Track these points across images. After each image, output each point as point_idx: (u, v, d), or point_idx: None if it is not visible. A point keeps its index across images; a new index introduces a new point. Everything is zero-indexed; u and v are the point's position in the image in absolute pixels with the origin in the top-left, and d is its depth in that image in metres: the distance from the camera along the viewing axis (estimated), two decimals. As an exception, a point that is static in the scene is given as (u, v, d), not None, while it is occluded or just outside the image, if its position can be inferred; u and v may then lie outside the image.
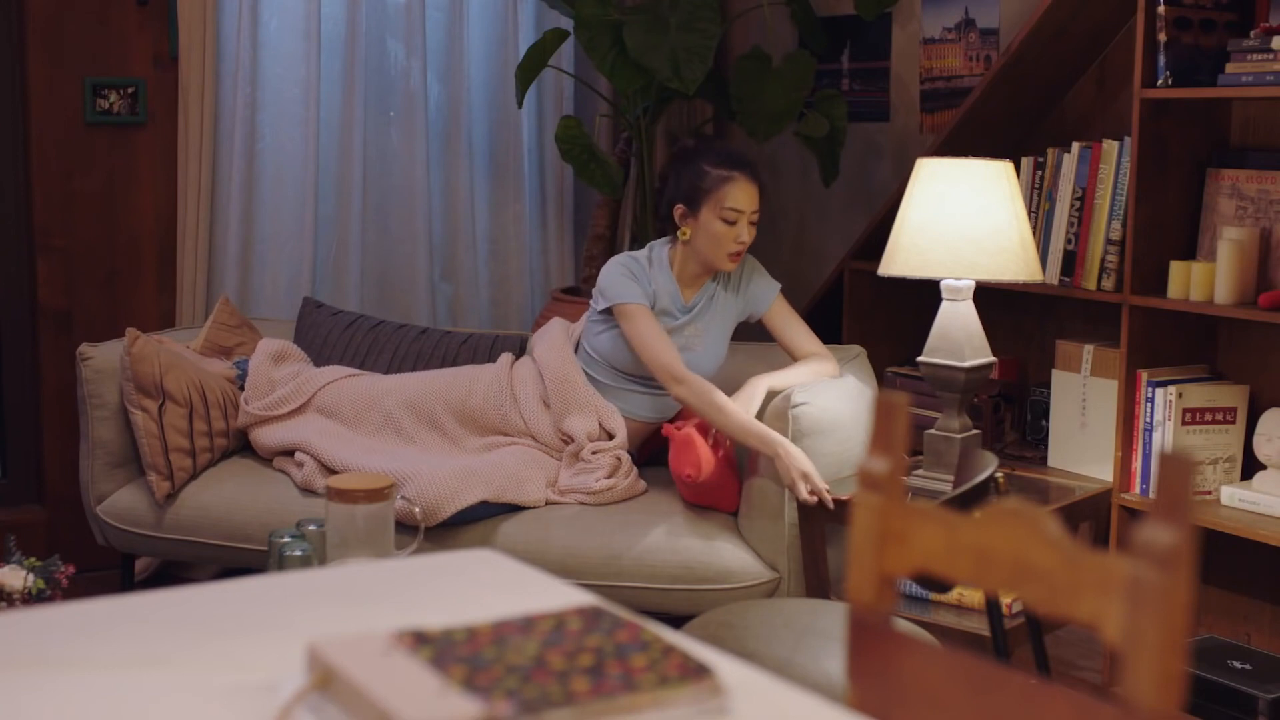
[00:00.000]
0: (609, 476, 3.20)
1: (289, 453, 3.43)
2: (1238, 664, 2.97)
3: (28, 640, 1.22)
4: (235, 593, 1.37)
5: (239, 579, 1.41)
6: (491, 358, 3.65)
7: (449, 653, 1.10)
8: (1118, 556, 0.95)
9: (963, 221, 2.98)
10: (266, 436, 3.45)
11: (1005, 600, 2.71)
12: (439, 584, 1.42)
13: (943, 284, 3.08)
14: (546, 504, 3.21)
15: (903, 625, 2.19)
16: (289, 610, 1.32)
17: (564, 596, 1.35)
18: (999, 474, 2.26)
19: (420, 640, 1.12)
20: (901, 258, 3.05)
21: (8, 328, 3.98)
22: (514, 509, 3.16)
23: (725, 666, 1.15)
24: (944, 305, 3.08)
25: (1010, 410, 3.72)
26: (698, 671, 1.09)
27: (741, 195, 3.17)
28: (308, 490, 3.29)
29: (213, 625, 1.28)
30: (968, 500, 2.04)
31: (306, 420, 3.44)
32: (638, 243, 4.29)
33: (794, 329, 3.29)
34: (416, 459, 3.24)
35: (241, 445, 3.56)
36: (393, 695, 1.02)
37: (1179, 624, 0.91)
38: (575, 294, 4.35)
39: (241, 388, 3.52)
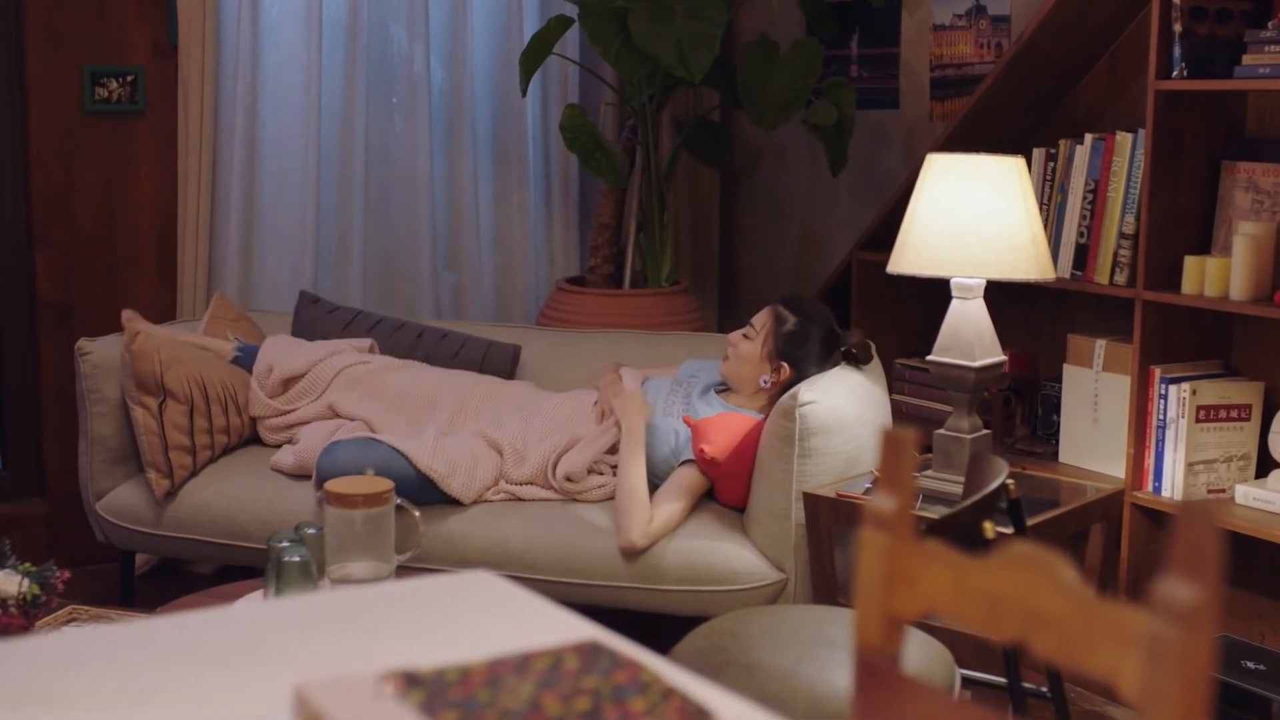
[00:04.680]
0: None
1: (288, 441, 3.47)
2: (1252, 664, 2.93)
3: (12, 675, 1.18)
4: (228, 621, 1.34)
5: (232, 608, 1.37)
6: (483, 368, 3.65)
7: (440, 696, 1.06)
8: (1135, 609, 0.91)
9: (973, 219, 2.92)
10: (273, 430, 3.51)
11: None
12: (435, 610, 1.38)
13: (952, 282, 3.02)
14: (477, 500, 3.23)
15: (910, 670, 2.15)
16: (282, 639, 1.29)
17: (562, 626, 1.31)
18: (1009, 481, 2.21)
19: (411, 682, 1.08)
20: (910, 255, 3.00)
21: (7, 321, 3.94)
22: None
23: (727, 706, 1.11)
24: (954, 303, 3.02)
25: (1021, 404, 3.67)
26: (698, 716, 1.05)
27: None
28: (302, 474, 3.30)
29: (204, 657, 1.24)
30: (977, 511, 1.99)
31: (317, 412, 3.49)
32: (643, 232, 4.25)
33: None
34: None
35: (243, 441, 3.52)
36: (380, 748, 0.98)
37: (1200, 684, 0.87)
38: (580, 284, 4.31)
39: (239, 362, 3.52)
